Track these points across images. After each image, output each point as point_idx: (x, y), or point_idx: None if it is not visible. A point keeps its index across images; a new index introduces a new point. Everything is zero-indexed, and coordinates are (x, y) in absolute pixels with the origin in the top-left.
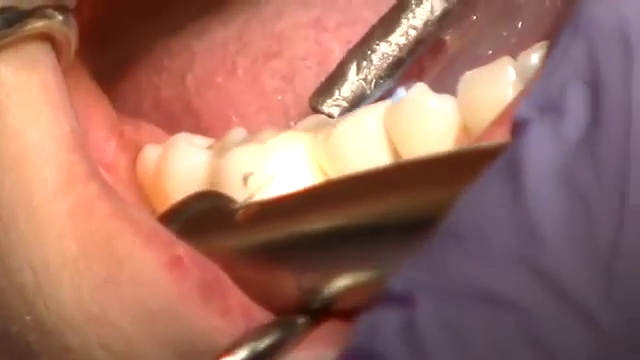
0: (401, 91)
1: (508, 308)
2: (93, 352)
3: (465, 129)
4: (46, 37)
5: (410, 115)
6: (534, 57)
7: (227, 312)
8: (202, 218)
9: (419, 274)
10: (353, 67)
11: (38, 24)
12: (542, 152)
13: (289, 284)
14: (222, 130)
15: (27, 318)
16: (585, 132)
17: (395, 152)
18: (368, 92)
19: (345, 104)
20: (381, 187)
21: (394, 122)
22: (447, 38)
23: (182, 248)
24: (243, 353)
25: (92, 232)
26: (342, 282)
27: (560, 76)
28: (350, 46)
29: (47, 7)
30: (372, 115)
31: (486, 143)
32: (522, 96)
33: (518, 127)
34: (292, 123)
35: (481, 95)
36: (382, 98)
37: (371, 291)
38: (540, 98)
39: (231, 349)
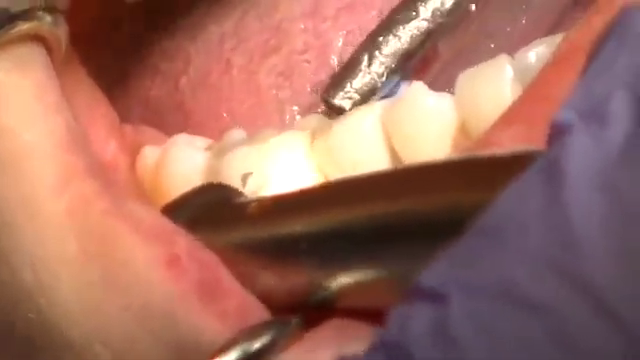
0: (404, 87)
1: (540, 311)
2: (94, 348)
3: (463, 127)
4: (37, 38)
5: (407, 114)
6: (532, 55)
7: (224, 314)
8: (210, 210)
9: (453, 270)
10: (365, 60)
11: (26, 26)
12: (583, 158)
13: (291, 280)
14: (213, 128)
15: (30, 314)
16: (627, 140)
17: (393, 151)
18: (379, 85)
19: (357, 97)
20: (395, 188)
21: (392, 121)
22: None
23: (181, 245)
24: (234, 354)
25: (91, 230)
26: (344, 280)
27: (604, 84)
28: (350, 36)
29: (37, 9)
30: (369, 114)
31: (500, 151)
32: (525, 97)
33: (557, 132)
34: (287, 118)
35: (478, 93)
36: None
37: (375, 290)
38: (582, 105)
39: (223, 350)
